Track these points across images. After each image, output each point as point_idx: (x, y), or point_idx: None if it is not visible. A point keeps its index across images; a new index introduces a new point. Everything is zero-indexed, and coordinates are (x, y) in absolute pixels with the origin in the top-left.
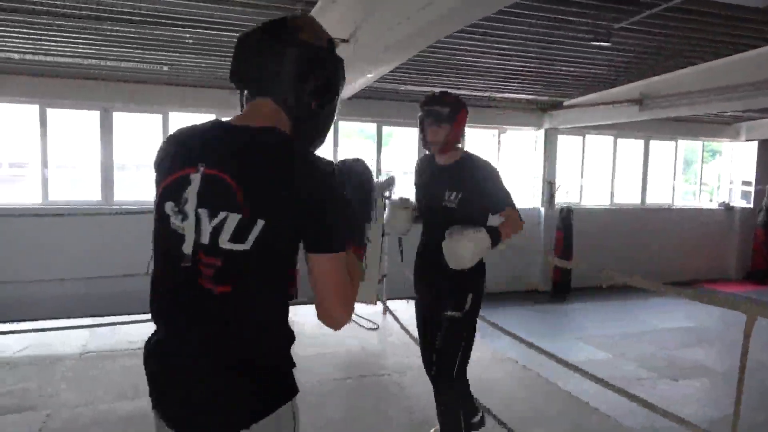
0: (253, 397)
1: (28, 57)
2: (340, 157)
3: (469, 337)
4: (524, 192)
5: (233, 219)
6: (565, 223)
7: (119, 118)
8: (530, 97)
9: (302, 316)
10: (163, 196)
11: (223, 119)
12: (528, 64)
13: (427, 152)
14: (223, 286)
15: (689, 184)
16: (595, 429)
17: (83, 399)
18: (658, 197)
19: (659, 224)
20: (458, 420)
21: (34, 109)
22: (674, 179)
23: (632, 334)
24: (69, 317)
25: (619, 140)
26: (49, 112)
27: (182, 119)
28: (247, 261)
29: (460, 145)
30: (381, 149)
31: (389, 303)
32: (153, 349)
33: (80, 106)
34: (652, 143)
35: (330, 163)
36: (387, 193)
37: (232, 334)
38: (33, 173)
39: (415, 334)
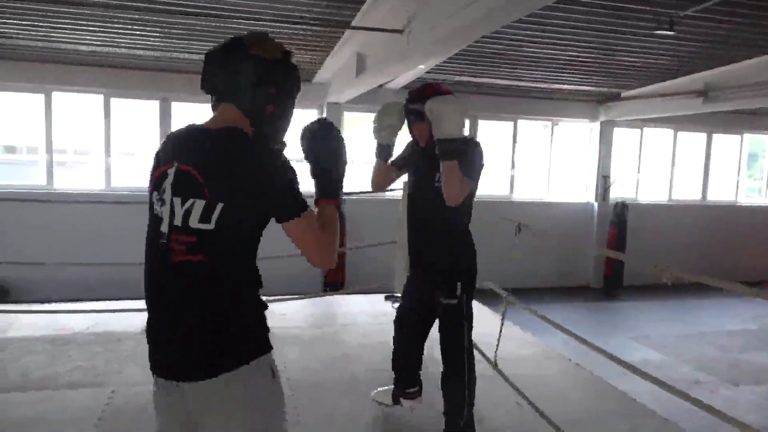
0: (224, 350)
1: (95, 48)
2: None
3: (469, 320)
4: (577, 186)
5: (200, 204)
6: (620, 219)
7: (177, 107)
8: (587, 88)
9: (354, 306)
10: (151, 189)
11: (196, 123)
12: (586, 54)
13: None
14: (198, 256)
15: (754, 180)
16: None
17: (145, 377)
18: (720, 194)
19: (721, 222)
20: (464, 400)
21: (98, 98)
22: (738, 175)
23: (690, 335)
24: (129, 299)
25: (679, 133)
26: (113, 101)
27: None
28: (213, 238)
29: None
30: None
31: None
32: (147, 318)
33: (141, 96)
34: (715, 137)
35: (281, 142)
36: None
37: (205, 294)
38: (96, 160)
39: None
